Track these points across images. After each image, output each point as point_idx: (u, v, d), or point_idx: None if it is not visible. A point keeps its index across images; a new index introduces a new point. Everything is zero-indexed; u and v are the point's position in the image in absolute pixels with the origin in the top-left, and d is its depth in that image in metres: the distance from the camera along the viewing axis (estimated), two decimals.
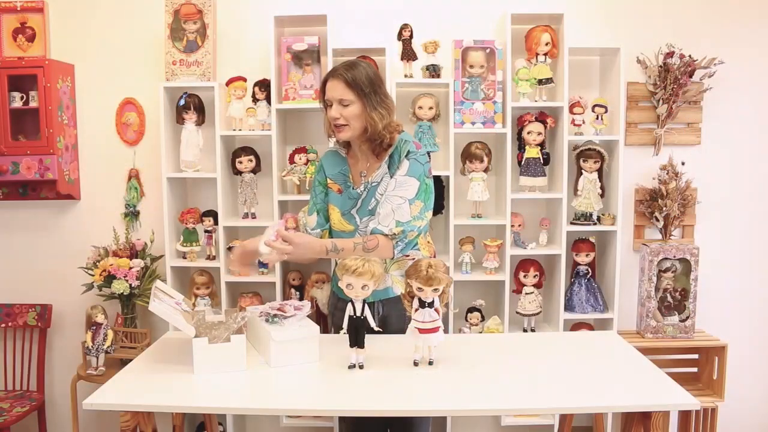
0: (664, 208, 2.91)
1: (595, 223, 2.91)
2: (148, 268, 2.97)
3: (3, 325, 3.09)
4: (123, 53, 3.05)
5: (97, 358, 2.74)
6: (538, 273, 2.90)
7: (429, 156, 2.34)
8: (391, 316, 2.20)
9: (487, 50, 2.81)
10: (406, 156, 2.13)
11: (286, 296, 2.93)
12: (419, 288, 1.84)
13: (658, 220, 2.96)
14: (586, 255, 2.92)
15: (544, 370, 1.93)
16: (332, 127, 2.17)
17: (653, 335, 2.86)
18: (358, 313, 1.87)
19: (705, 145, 3.05)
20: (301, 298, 2.91)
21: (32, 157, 2.84)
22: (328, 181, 2.28)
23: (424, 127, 2.81)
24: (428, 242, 2.33)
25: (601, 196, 2.89)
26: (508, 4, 2.88)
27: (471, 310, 2.94)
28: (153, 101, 2.99)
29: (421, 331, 1.87)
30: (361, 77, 2.09)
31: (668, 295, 2.88)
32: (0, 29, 2.96)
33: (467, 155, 2.84)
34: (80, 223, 3.14)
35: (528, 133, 2.85)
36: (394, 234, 2.10)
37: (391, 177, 2.14)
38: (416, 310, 1.87)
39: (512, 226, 2.87)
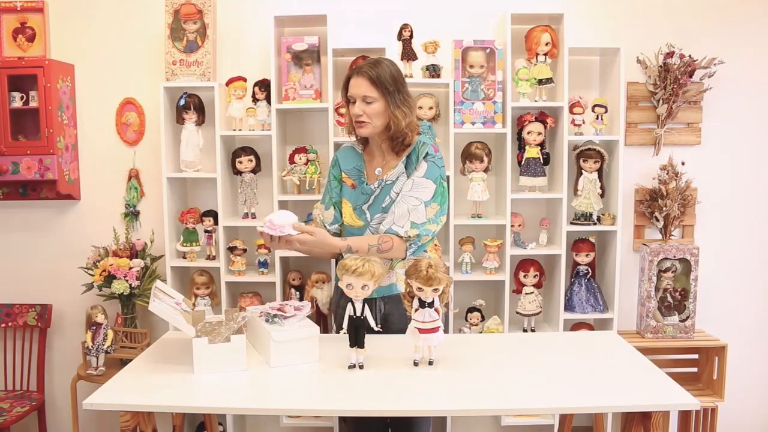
0: (664, 208, 2.91)
1: (595, 223, 2.91)
2: (148, 268, 2.97)
3: (3, 325, 3.09)
4: (123, 53, 3.05)
5: (97, 358, 2.74)
6: (538, 273, 2.90)
7: None
8: (393, 314, 2.20)
9: (487, 50, 2.81)
10: (424, 158, 2.15)
11: (286, 296, 2.93)
12: (419, 288, 1.84)
13: (658, 220, 2.96)
14: (586, 255, 2.92)
15: (544, 370, 1.93)
16: (354, 123, 2.18)
17: (653, 335, 2.86)
18: (358, 313, 1.87)
19: (705, 145, 3.05)
20: (301, 298, 2.91)
21: (32, 157, 2.84)
22: (343, 175, 2.29)
23: (424, 127, 2.80)
24: (436, 245, 2.34)
25: (601, 196, 2.89)
26: (508, 4, 2.88)
27: (471, 310, 2.94)
28: (153, 101, 2.99)
29: (421, 331, 1.87)
30: (385, 75, 2.11)
31: (668, 295, 2.88)
32: (0, 29, 2.96)
33: (467, 155, 2.84)
34: (80, 223, 3.14)
35: (528, 133, 2.85)
36: (409, 237, 2.11)
37: (408, 177, 2.16)
38: (416, 310, 1.87)
39: (512, 226, 2.87)
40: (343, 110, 2.81)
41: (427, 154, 2.15)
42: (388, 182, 2.19)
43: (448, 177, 2.82)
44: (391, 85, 2.11)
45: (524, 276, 2.90)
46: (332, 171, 2.33)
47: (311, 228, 2.08)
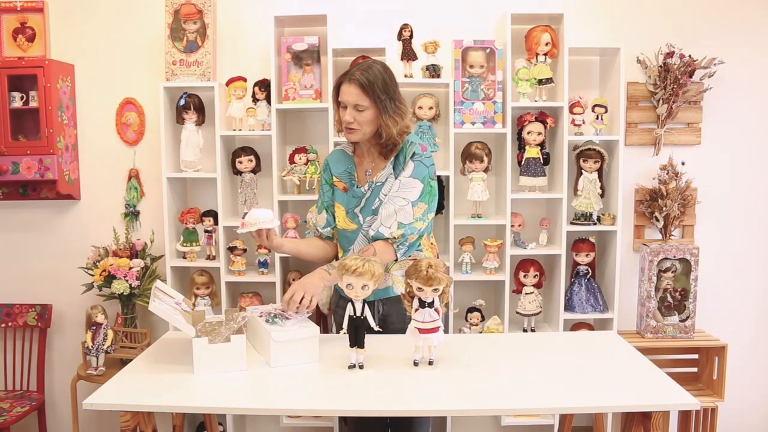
0: (664, 208, 2.91)
1: (595, 223, 2.91)
2: (148, 268, 2.97)
3: (3, 325, 3.09)
4: (123, 53, 3.05)
5: (97, 358, 2.74)
6: (538, 273, 2.90)
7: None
8: (392, 315, 2.20)
9: (487, 50, 2.81)
10: (411, 157, 2.14)
11: None
12: (419, 288, 1.84)
13: (658, 220, 2.96)
14: (586, 255, 2.92)
15: (544, 370, 1.93)
16: (344, 128, 2.17)
17: (653, 335, 2.86)
18: (358, 313, 1.87)
19: (705, 145, 3.05)
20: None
21: (32, 157, 2.84)
22: (334, 179, 2.29)
23: (424, 127, 2.81)
24: (432, 244, 2.33)
25: (601, 196, 2.89)
26: (508, 4, 2.88)
27: (471, 310, 2.94)
28: (153, 101, 3.00)
29: (421, 331, 1.87)
30: (378, 83, 2.08)
31: (668, 295, 2.88)
32: (0, 29, 2.96)
33: (467, 155, 2.84)
34: (80, 223, 3.14)
35: (528, 133, 2.85)
36: (395, 238, 2.10)
37: (396, 178, 2.15)
38: (416, 310, 1.87)
39: (512, 226, 2.87)
40: None
41: (414, 153, 2.14)
42: (378, 184, 2.18)
43: (447, 177, 2.83)
44: (382, 93, 2.08)
45: (524, 276, 2.90)
46: (323, 175, 2.33)
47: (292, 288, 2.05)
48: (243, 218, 2.10)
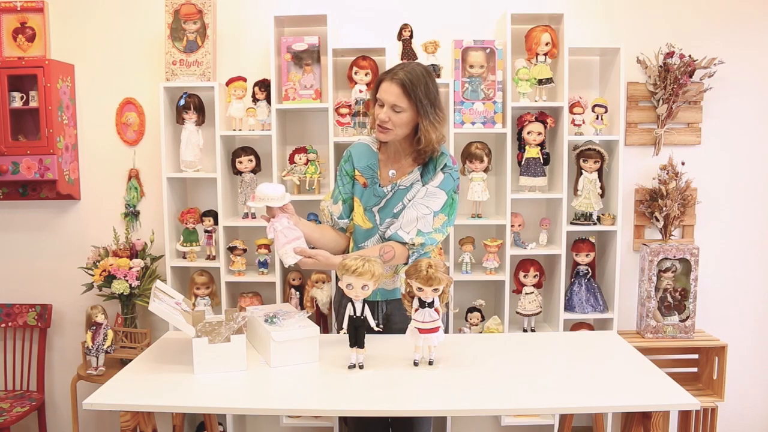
0: (664, 208, 2.91)
1: (595, 223, 2.91)
2: (148, 268, 2.97)
3: (3, 325, 3.09)
4: (123, 53, 3.05)
5: (97, 358, 2.74)
6: (538, 273, 2.90)
7: None
8: (395, 315, 2.21)
9: (487, 50, 2.81)
10: (442, 169, 2.14)
11: (286, 296, 2.93)
12: (419, 288, 1.84)
13: (658, 220, 2.96)
14: (586, 255, 2.93)
15: (544, 370, 1.93)
16: (377, 126, 2.10)
17: (653, 335, 2.86)
18: (358, 313, 1.87)
19: (705, 145, 3.05)
20: (301, 298, 2.91)
21: (32, 157, 2.84)
22: (356, 172, 2.23)
23: None
24: (440, 249, 2.33)
25: (601, 196, 2.89)
26: (508, 4, 2.88)
27: (471, 310, 2.94)
28: (153, 101, 3.00)
29: (421, 331, 1.87)
30: (420, 87, 2.04)
31: (668, 295, 2.88)
32: (0, 29, 2.96)
33: (467, 155, 2.84)
34: (80, 223, 3.14)
35: (528, 133, 2.85)
36: (413, 244, 2.10)
37: (423, 185, 2.14)
38: (416, 310, 1.87)
39: (512, 226, 2.87)
40: (343, 110, 2.82)
41: (445, 165, 2.14)
42: (402, 187, 2.16)
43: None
44: (424, 98, 2.05)
45: (524, 276, 2.90)
46: (344, 166, 2.26)
47: (313, 252, 2.04)
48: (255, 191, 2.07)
